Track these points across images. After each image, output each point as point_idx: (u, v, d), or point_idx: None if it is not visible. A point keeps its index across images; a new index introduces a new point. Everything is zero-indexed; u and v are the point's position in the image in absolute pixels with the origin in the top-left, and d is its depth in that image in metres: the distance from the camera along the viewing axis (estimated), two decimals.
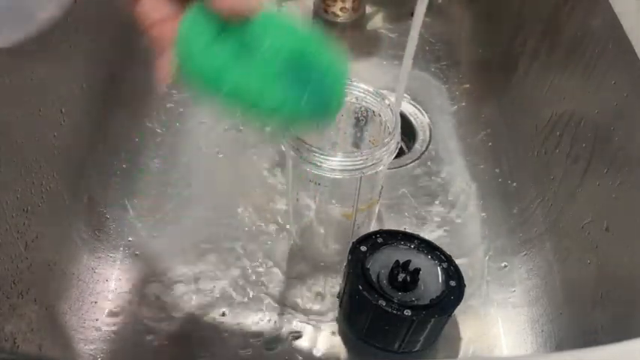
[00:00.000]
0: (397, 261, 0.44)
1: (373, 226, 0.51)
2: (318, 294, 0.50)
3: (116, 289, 0.49)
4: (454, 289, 0.43)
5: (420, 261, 0.45)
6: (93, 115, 0.52)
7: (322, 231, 0.50)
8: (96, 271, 0.50)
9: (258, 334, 0.47)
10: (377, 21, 0.78)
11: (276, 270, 0.51)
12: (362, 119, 0.46)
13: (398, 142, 0.42)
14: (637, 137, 0.40)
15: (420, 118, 0.66)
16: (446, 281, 0.44)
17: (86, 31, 0.50)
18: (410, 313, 0.41)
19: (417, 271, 0.44)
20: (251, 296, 0.50)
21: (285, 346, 0.47)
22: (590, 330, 0.42)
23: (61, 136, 0.46)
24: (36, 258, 0.41)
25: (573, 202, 0.47)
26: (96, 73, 0.53)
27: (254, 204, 0.56)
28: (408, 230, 0.49)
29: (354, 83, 0.44)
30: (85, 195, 0.51)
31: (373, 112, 0.45)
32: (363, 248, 0.45)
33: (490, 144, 0.63)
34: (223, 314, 0.48)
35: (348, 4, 0.76)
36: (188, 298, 0.49)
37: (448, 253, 0.46)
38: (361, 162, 0.40)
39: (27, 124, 0.41)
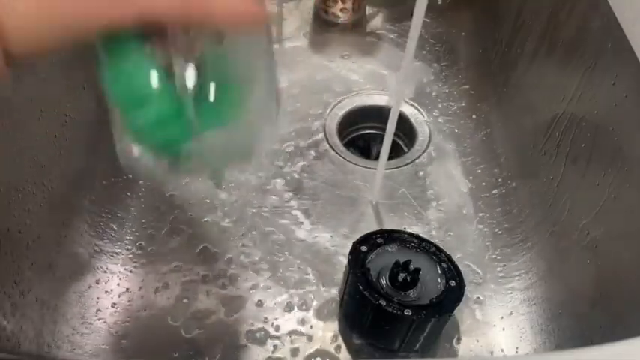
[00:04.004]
0: (397, 261, 0.44)
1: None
2: (319, 293, 0.50)
3: (118, 288, 0.50)
4: (454, 288, 0.44)
5: (420, 261, 0.45)
6: (94, 117, 0.52)
7: None
8: (97, 270, 0.50)
9: (258, 333, 0.47)
10: (377, 22, 0.78)
11: (276, 269, 0.52)
12: None
13: None
14: (637, 137, 0.40)
15: (419, 119, 0.66)
16: (446, 281, 0.44)
17: None
18: (410, 313, 0.41)
19: (417, 270, 0.44)
20: (251, 294, 0.50)
21: (285, 346, 0.47)
22: (589, 329, 0.42)
23: (63, 137, 0.46)
24: (37, 257, 0.42)
25: (573, 202, 0.48)
26: (96, 75, 0.53)
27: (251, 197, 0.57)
28: (407, 230, 0.49)
29: None
30: (87, 195, 0.51)
31: None
32: (364, 248, 0.45)
33: (490, 144, 0.63)
34: (225, 313, 0.49)
35: (349, 5, 0.76)
36: (189, 297, 0.49)
37: (448, 252, 0.46)
38: None
39: (30, 126, 0.41)
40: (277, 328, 0.48)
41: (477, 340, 0.48)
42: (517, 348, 0.48)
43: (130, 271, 0.51)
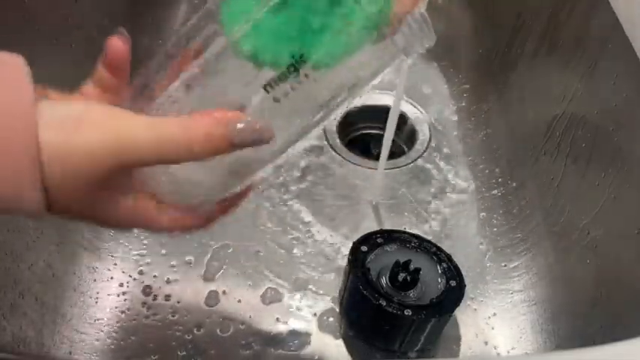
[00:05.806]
0: (397, 261, 0.44)
1: None
2: (319, 293, 0.50)
3: (117, 288, 0.50)
4: (454, 289, 0.44)
5: (420, 261, 0.45)
6: None
7: None
8: (97, 270, 0.50)
9: (258, 333, 0.47)
10: None
11: (277, 270, 0.52)
12: None
13: None
14: (637, 137, 0.40)
15: (420, 118, 0.66)
16: (446, 281, 0.44)
17: (87, 31, 0.50)
18: (410, 313, 0.41)
19: (417, 270, 0.44)
20: (251, 295, 0.50)
21: (285, 346, 0.47)
22: (589, 330, 0.42)
23: None
24: (37, 257, 0.42)
25: (573, 202, 0.48)
26: None
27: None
28: (407, 230, 0.49)
29: None
30: None
31: None
32: (364, 248, 0.45)
33: (490, 144, 0.63)
34: (226, 313, 0.49)
35: None
36: (189, 296, 0.49)
37: (448, 252, 0.46)
38: None
39: None
40: (278, 328, 0.48)
41: (477, 341, 0.48)
42: (516, 348, 0.48)
43: (131, 271, 0.51)
